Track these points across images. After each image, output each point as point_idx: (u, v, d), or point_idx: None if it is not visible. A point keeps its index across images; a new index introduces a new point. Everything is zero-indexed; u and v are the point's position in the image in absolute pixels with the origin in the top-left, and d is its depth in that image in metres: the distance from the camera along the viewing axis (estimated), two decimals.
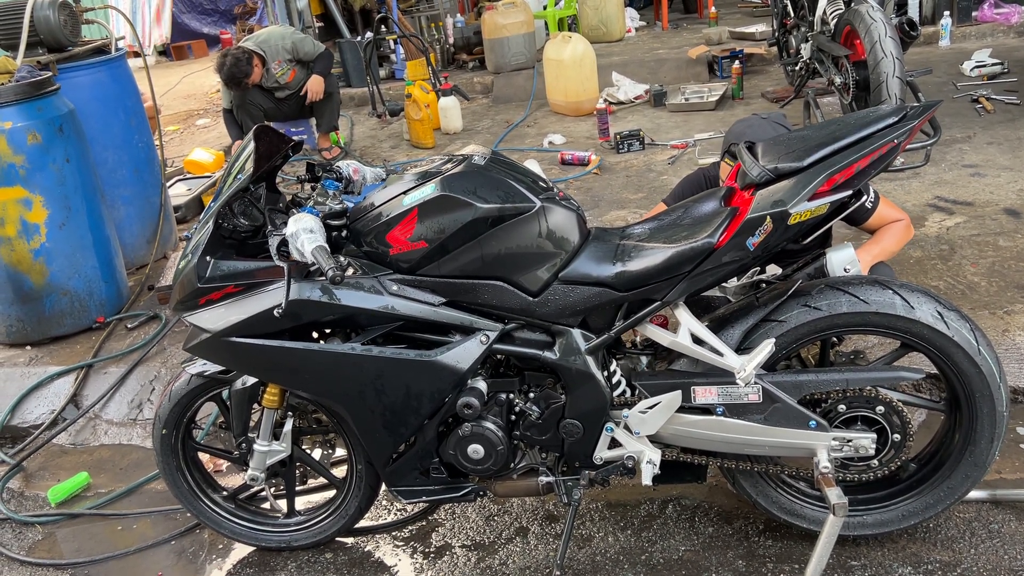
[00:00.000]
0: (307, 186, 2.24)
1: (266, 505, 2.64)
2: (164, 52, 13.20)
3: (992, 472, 2.46)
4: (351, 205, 2.13)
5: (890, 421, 2.08)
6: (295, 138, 2.24)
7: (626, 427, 2.14)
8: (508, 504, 2.66)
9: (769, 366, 2.09)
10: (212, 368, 2.33)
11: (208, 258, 2.09)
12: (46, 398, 3.51)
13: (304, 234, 1.92)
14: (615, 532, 2.48)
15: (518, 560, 2.43)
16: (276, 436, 2.38)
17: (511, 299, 2.04)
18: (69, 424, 3.41)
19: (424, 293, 2.06)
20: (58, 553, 2.78)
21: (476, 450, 2.16)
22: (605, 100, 6.32)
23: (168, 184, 5.16)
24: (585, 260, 2.03)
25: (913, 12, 6.83)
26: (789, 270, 2.20)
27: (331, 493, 2.61)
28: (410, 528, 2.63)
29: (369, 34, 7.54)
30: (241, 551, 2.63)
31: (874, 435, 2.07)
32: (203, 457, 2.68)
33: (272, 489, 2.52)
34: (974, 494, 2.34)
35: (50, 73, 3.78)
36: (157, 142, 4.64)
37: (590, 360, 2.07)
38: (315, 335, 2.21)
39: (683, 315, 2.06)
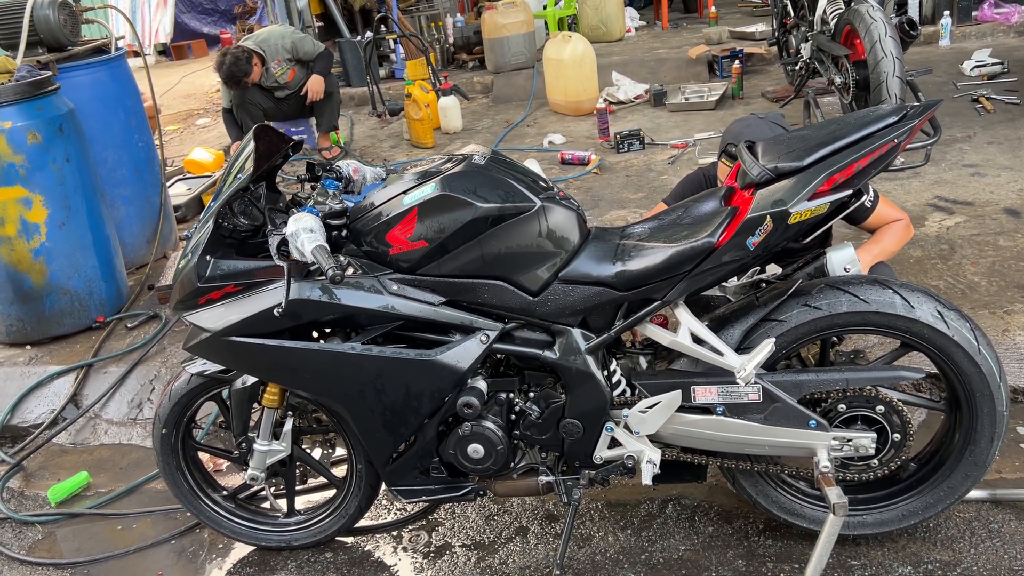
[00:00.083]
0: (307, 185, 2.24)
1: (266, 504, 2.64)
2: (164, 52, 13.20)
3: (992, 472, 2.46)
4: (351, 205, 2.13)
5: (890, 421, 2.08)
6: (295, 138, 2.24)
7: (626, 427, 2.14)
8: (508, 504, 2.66)
9: (769, 365, 2.09)
10: (212, 367, 2.33)
11: (208, 257, 2.09)
12: (46, 397, 3.51)
13: (304, 233, 1.92)
14: (615, 531, 2.48)
15: (518, 560, 2.43)
16: (276, 436, 2.38)
17: (511, 299, 2.04)
18: (69, 424, 3.41)
19: (424, 293, 2.06)
20: (58, 552, 2.78)
21: (476, 449, 2.16)
22: (605, 100, 6.31)
23: (168, 184, 5.16)
24: (585, 260, 2.03)
25: (913, 12, 6.83)
26: (789, 269, 2.20)
27: (331, 492, 2.61)
28: (410, 527, 2.63)
29: (369, 34, 7.54)
30: (241, 550, 2.63)
31: (874, 434, 2.07)
32: (203, 456, 2.68)
33: (272, 489, 2.52)
34: (974, 494, 2.34)
35: (50, 73, 3.78)
36: (157, 142, 4.64)
37: (590, 359, 2.07)
38: (315, 335, 2.21)
39: (683, 315, 2.06)
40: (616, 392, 2.15)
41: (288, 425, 2.37)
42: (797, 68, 5.67)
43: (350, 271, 2.10)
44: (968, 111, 5.16)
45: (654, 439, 2.15)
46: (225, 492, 2.61)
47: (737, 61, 6.47)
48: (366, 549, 2.57)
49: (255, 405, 2.36)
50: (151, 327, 3.81)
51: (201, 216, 2.22)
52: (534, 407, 2.16)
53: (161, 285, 4.01)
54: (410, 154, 6.10)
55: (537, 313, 2.05)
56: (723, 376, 2.05)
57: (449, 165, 2.09)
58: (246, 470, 2.41)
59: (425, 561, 2.48)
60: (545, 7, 8.68)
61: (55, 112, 3.61)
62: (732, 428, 2.08)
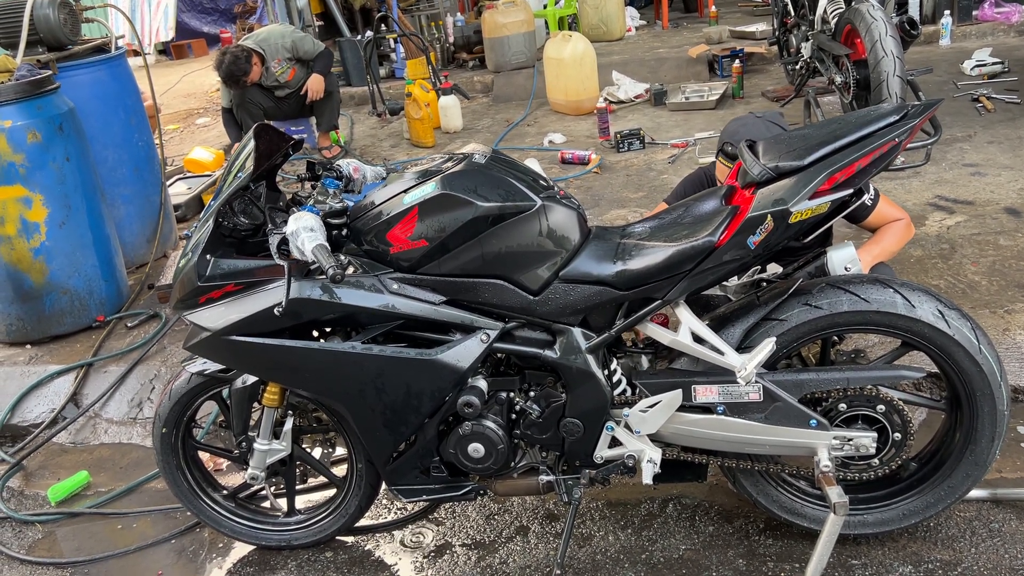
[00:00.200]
0: (307, 185, 2.24)
1: (266, 504, 2.64)
2: (164, 51, 13.20)
3: (993, 471, 2.45)
4: (351, 204, 2.13)
5: (891, 420, 2.08)
6: (295, 137, 2.24)
7: (627, 426, 2.13)
8: (508, 503, 2.66)
9: (770, 365, 2.08)
10: (212, 367, 2.33)
11: (208, 256, 2.09)
12: (46, 397, 3.51)
13: (304, 232, 1.92)
14: (615, 531, 2.48)
15: (518, 559, 2.43)
16: (276, 435, 2.37)
17: (512, 298, 2.04)
18: (69, 423, 3.41)
19: (424, 292, 2.06)
20: (58, 552, 2.78)
21: (476, 449, 2.16)
22: (605, 99, 6.31)
23: (168, 183, 5.15)
24: (586, 259, 2.03)
25: (913, 11, 6.83)
26: (790, 269, 2.20)
27: (331, 492, 2.60)
28: (410, 527, 2.63)
29: (369, 33, 7.53)
30: (241, 550, 2.63)
31: (875, 434, 2.07)
32: (203, 456, 2.68)
33: (272, 488, 2.52)
34: (975, 493, 2.34)
35: (50, 72, 3.78)
36: (157, 141, 4.64)
37: (591, 359, 2.07)
38: (315, 334, 2.21)
39: (684, 314, 2.06)
40: (617, 391, 2.15)
41: (288, 424, 2.37)
42: (797, 67, 5.67)
43: (350, 270, 2.10)
44: (968, 110, 5.16)
45: (655, 438, 2.15)
46: (225, 491, 2.61)
47: (737, 60, 6.47)
48: (366, 548, 2.57)
49: (255, 404, 2.36)
50: (151, 326, 3.81)
51: (201, 215, 2.22)
52: (534, 406, 2.15)
53: (161, 284, 4.01)
54: (410, 153, 6.10)
55: (538, 312, 2.05)
56: (724, 375, 2.04)
57: (449, 164, 2.09)
58: (246, 469, 2.41)
59: (425, 560, 2.48)
60: (545, 6, 8.68)
61: (55, 111, 3.61)
62: (733, 427, 2.07)
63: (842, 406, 2.08)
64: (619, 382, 2.16)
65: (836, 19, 4.86)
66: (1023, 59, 5.96)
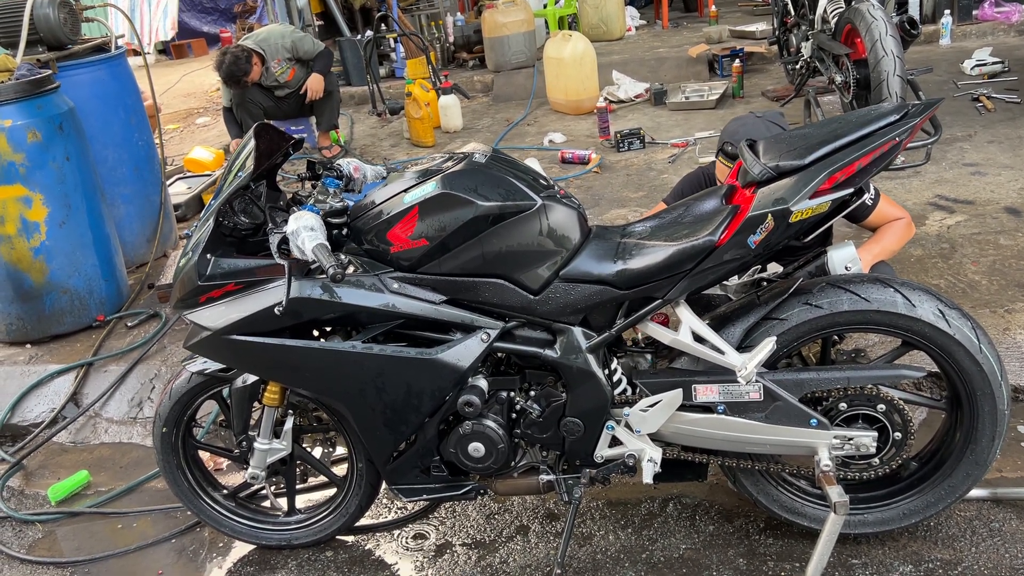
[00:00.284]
0: (307, 184, 2.24)
1: (266, 503, 2.64)
2: (164, 50, 13.19)
3: (993, 471, 2.46)
4: (352, 203, 2.13)
5: (891, 419, 2.08)
6: (295, 136, 2.24)
7: (627, 425, 2.13)
8: (509, 502, 2.66)
9: (770, 364, 2.08)
10: (212, 366, 2.33)
11: (209, 256, 2.08)
12: (46, 396, 3.51)
13: (305, 232, 1.92)
14: (616, 530, 2.48)
15: (519, 558, 2.43)
16: (276, 434, 2.37)
17: (512, 297, 2.04)
18: (69, 422, 3.41)
19: (425, 291, 2.06)
20: (58, 551, 2.78)
21: (477, 448, 2.16)
22: (605, 99, 6.31)
23: (168, 182, 5.15)
24: (586, 258, 2.03)
25: (914, 10, 6.83)
26: (790, 268, 2.20)
27: (331, 491, 2.60)
28: (411, 526, 2.63)
29: (369, 32, 7.53)
30: (241, 549, 2.63)
31: (875, 433, 2.07)
32: (203, 455, 2.68)
33: (272, 487, 2.52)
34: (975, 493, 2.34)
35: (50, 71, 3.78)
36: (157, 140, 4.64)
37: (591, 358, 2.07)
38: (316, 333, 2.21)
39: (684, 313, 2.06)
40: (617, 391, 2.15)
41: (288, 424, 2.37)
42: (798, 67, 5.67)
43: (351, 269, 2.10)
44: (969, 110, 5.16)
45: (655, 438, 2.15)
46: (225, 491, 2.61)
47: (737, 60, 6.47)
48: (366, 548, 2.57)
49: (255, 404, 2.35)
50: (151, 326, 3.81)
51: (201, 214, 2.22)
52: (535, 406, 2.15)
53: (161, 284, 4.00)
54: (410, 153, 6.10)
55: (538, 312, 2.04)
56: (724, 375, 2.04)
57: (450, 163, 2.08)
58: (246, 469, 2.41)
59: (425, 560, 2.48)
60: (545, 6, 8.68)
61: (55, 111, 3.60)
62: (733, 427, 2.07)
63: (842, 405, 2.08)
64: (619, 381, 2.16)
65: (836, 18, 4.86)
66: (1023, 59, 5.96)
